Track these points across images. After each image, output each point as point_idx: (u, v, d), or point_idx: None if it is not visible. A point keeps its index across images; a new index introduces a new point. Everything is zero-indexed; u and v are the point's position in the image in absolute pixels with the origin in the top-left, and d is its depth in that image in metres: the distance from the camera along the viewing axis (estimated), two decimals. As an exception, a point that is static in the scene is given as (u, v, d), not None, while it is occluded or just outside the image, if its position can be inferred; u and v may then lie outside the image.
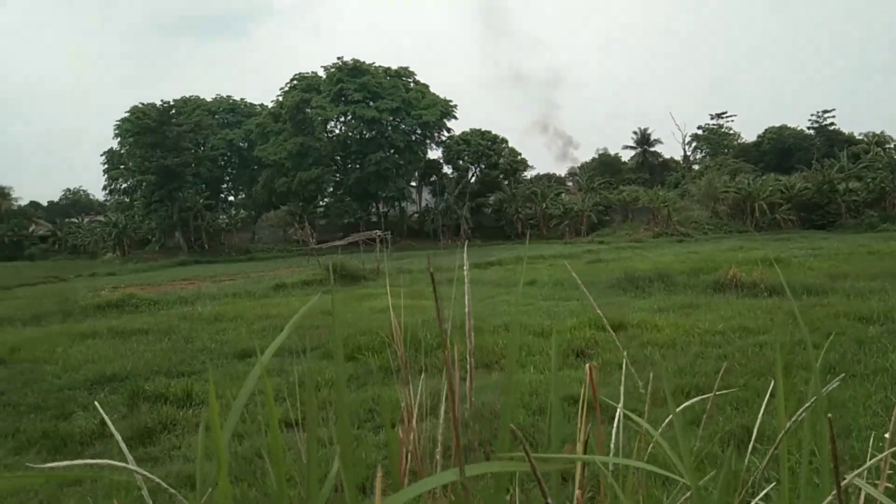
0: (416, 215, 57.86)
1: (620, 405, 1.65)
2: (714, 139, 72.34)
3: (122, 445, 1.43)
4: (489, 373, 8.59)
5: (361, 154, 52.98)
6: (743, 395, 6.40)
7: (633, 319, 11.03)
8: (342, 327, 11.86)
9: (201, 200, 53.82)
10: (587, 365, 1.60)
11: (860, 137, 66.26)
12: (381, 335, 10.57)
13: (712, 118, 74.03)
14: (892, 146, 54.62)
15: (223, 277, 27.14)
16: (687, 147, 72.66)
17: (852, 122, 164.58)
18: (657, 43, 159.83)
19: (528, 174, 62.23)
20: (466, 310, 1.88)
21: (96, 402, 3.80)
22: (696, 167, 66.95)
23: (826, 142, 63.50)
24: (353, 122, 53.01)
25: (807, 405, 1.51)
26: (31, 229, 67.96)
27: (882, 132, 63.15)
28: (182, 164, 50.11)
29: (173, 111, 53.85)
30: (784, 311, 11.23)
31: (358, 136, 53.31)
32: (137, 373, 9.38)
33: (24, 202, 75.38)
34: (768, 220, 42.71)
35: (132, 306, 16.20)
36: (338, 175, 55.02)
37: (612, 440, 1.65)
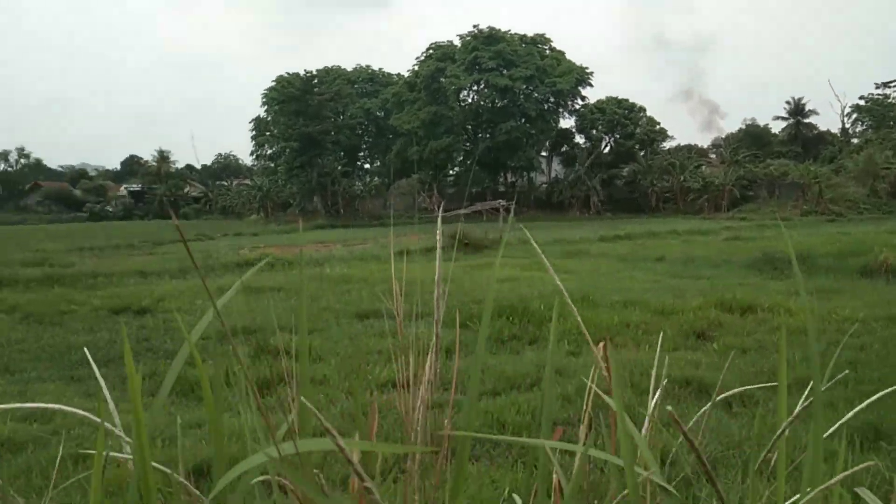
0: (544, 186, 57.10)
1: (617, 400, 1.53)
2: (878, 111, 65.63)
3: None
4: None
5: (492, 123, 52.83)
6: (874, 390, 5.85)
7: (765, 302, 10.34)
8: (458, 294, 11.99)
9: (339, 167, 56.04)
10: (600, 343, 1.48)
11: None
12: (495, 304, 10.59)
13: (878, 87, 67.17)
14: None
15: (355, 242, 28.18)
16: (846, 119, 66.54)
17: None
18: (818, 3, 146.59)
19: (668, 145, 59.62)
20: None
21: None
22: (855, 141, 61.27)
23: None
24: (485, 90, 52.86)
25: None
26: (185, 190, 73.68)
27: None
28: (322, 131, 52.31)
29: (315, 80, 56.15)
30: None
31: (490, 105, 53.14)
32: (265, 327, 9.98)
33: (180, 165, 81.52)
34: (936, 201, 38.50)
35: (268, 265, 17.20)
36: (468, 144, 55.26)
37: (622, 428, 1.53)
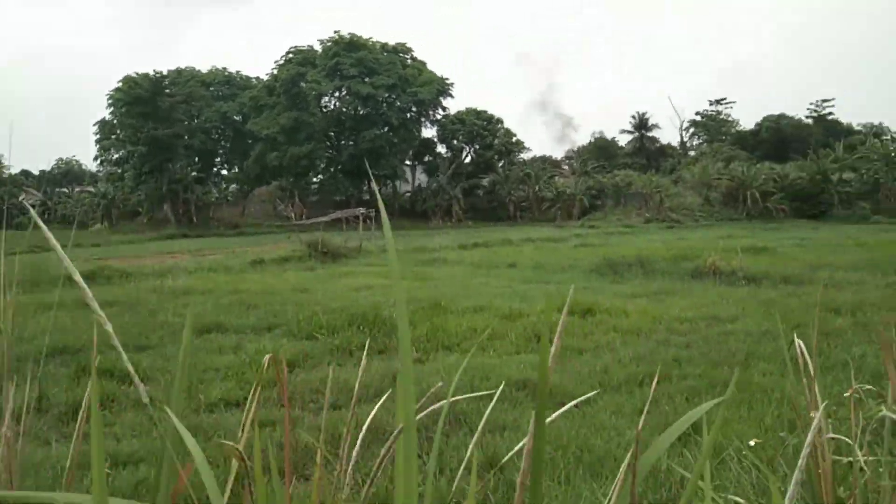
0: (408, 194, 57.51)
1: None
2: (712, 126, 71.87)
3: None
4: (448, 354, 8.42)
5: (355, 131, 52.50)
6: (697, 385, 6.25)
7: (604, 305, 10.87)
8: (310, 304, 11.69)
9: (192, 173, 53.38)
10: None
11: (858, 128, 65.96)
12: (346, 313, 10.41)
13: (711, 104, 73.55)
14: (888, 137, 54.25)
15: (207, 252, 26.92)
16: (684, 133, 72.27)
17: (852, 113, 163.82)
18: (660, 24, 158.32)
19: (526, 156, 61.87)
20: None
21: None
22: (692, 153, 66.62)
23: (824, 132, 63.11)
24: (347, 97, 52.46)
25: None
26: (20, 198, 67.43)
27: (881, 123, 62.94)
28: (173, 135, 49.65)
29: (166, 82, 53.26)
30: (757, 300, 11.08)
31: (352, 113, 52.79)
32: (92, 346, 9.21)
33: (15, 170, 74.51)
34: (760, 209, 42.52)
35: (104, 278, 15.99)
36: (331, 151, 54.57)
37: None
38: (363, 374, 7.14)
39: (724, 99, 73.00)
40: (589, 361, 7.43)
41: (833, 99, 72.30)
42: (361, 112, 52.38)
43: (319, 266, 19.62)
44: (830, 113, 67.18)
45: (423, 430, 5.31)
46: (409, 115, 54.32)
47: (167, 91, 51.16)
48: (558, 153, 77.93)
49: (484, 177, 56.13)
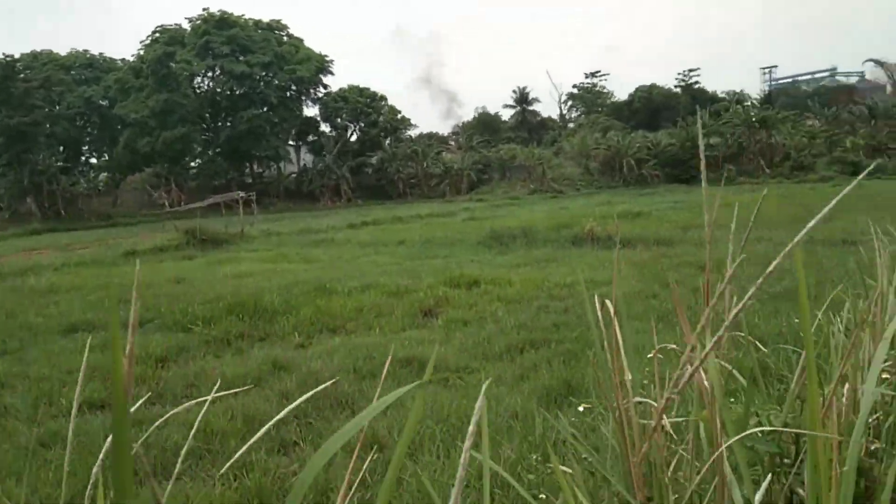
0: (293, 176, 56.07)
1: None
2: (588, 98, 74.31)
3: None
4: (333, 336, 8.23)
5: (232, 111, 50.47)
6: (573, 349, 6.40)
7: (490, 276, 10.99)
8: (187, 295, 11.12)
9: (57, 163, 49.57)
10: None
11: (722, 95, 70.05)
12: (225, 302, 9.98)
13: (587, 77, 75.97)
14: (749, 104, 57.99)
15: (76, 246, 25.16)
16: (563, 106, 74.33)
17: (716, 81, 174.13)
18: (541, 2, 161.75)
19: (413, 133, 61.66)
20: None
21: None
22: (571, 126, 68.66)
23: (691, 100, 66.57)
24: (221, 77, 50.25)
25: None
26: None
27: (741, 90, 67.08)
28: (32, 123, 45.75)
29: (19, 66, 48.92)
30: (631, 262, 11.53)
31: (228, 93, 50.66)
32: (-63, 356, 8.34)
33: None
34: (636, 176, 44.48)
35: (-46, 280, 14.59)
36: (207, 133, 52.23)
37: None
38: (241, 365, 6.78)
39: (599, 71, 75.62)
40: (473, 332, 7.46)
41: (698, 69, 76.47)
42: (237, 92, 50.41)
43: (199, 254, 18.76)
44: (697, 82, 70.93)
45: (303, 416, 5.14)
46: (288, 93, 52.78)
47: (21, 76, 47.05)
48: (445, 129, 78.32)
49: (371, 155, 55.49)
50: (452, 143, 69.19)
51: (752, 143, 46.42)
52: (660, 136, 47.96)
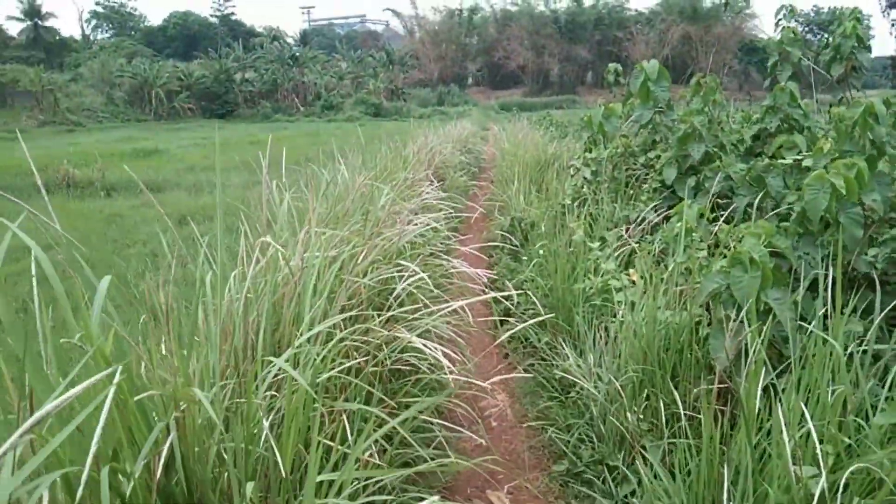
0: None
1: None
2: (117, 19, 66.45)
3: None
4: None
5: None
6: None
7: None
8: None
9: None
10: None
11: (260, 30, 69.60)
12: None
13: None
14: (284, 41, 58.54)
15: None
16: (86, 25, 65.11)
17: (258, 17, 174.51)
18: None
19: None
20: None
21: None
22: (95, 49, 60.67)
23: (230, 32, 64.56)
24: None
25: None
26: None
27: (278, 27, 67.64)
28: None
29: None
30: (105, 215, 9.65)
31: None
32: None
33: None
34: (168, 109, 41.13)
35: None
36: None
37: None
38: None
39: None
40: None
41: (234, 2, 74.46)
42: None
43: None
44: (233, 13, 69.11)
45: None
46: None
47: None
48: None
49: None
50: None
51: (286, 80, 46.90)
52: (193, 68, 45.02)
